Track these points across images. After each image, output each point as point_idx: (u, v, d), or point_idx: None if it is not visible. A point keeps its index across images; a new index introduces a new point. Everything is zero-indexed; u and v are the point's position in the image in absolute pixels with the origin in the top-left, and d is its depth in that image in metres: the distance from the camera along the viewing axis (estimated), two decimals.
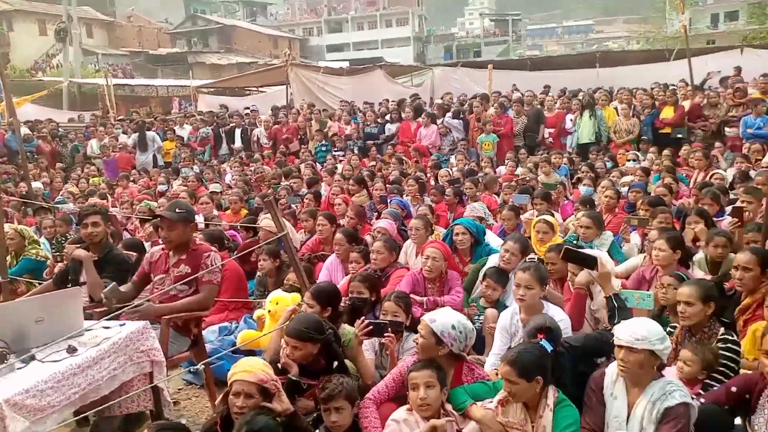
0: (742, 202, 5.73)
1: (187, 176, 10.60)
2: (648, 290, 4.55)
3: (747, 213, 5.48)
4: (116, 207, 9.51)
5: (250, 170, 11.00)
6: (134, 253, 5.15)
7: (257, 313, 4.95)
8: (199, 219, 7.67)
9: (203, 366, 3.87)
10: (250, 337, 4.69)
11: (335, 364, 3.53)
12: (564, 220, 6.91)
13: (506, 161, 10.16)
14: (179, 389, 4.71)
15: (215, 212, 8.23)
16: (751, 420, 2.99)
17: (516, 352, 3.01)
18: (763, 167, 7.53)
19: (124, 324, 3.50)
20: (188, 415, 4.39)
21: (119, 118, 17.72)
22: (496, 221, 7.02)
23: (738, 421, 3.06)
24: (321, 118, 13.54)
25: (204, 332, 4.99)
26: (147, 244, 6.59)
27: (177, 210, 4.24)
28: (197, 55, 45.32)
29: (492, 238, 5.93)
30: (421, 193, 8.16)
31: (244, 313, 5.63)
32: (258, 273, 6.15)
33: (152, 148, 13.91)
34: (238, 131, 14.01)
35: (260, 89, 20.98)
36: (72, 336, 3.26)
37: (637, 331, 2.93)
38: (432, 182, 9.19)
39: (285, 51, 16.43)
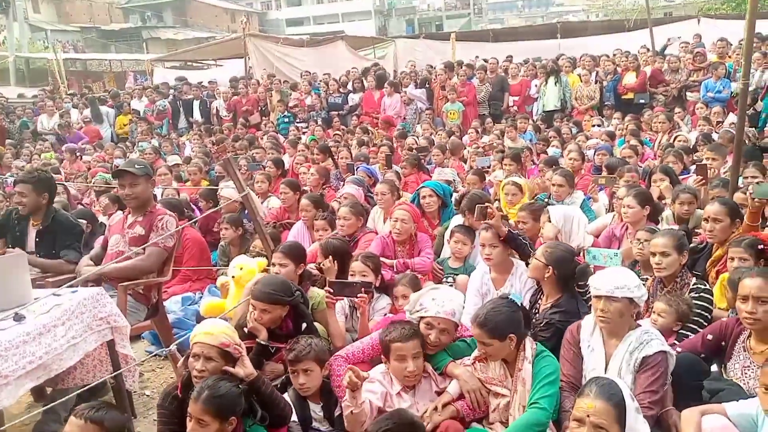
0: (707, 159, 5.79)
1: (144, 149, 10.22)
2: (618, 247, 4.57)
3: (712, 170, 5.54)
4: (70, 181, 9.10)
5: (210, 141, 10.68)
6: (84, 221, 4.89)
7: (221, 280, 4.79)
8: (158, 191, 7.41)
9: (175, 347, 3.71)
10: (214, 308, 4.53)
11: (304, 326, 3.40)
12: None
13: (470, 130, 10.07)
14: (142, 361, 4.49)
15: (175, 184, 7.94)
16: (726, 366, 2.98)
17: (484, 312, 2.88)
18: (725, 129, 7.63)
19: (76, 291, 3.28)
20: (152, 386, 4.21)
21: (69, 92, 17.00)
22: (464, 187, 6.96)
23: (714, 368, 3.05)
24: (282, 88, 13.21)
25: (167, 303, 4.82)
26: (103, 218, 6.31)
27: (137, 165, 4.21)
28: (152, 30, 43.80)
29: None
30: (388, 164, 7.98)
31: (208, 284, 5.47)
32: (221, 243, 5.96)
33: (107, 122, 13.43)
34: (196, 103, 13.59)
35: (218, 62, 20.39)
36: (19, 304, 3.03)
37: (615, 280, 2.88)
38: (399, 152, 9.05)
39: (242, 20, 15.89)
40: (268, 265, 4.32)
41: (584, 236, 4.68)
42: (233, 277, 4.43)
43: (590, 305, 3.14)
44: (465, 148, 8.77)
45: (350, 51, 17.14)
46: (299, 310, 3.41)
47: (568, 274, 3.44)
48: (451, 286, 4.26)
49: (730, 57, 10.58)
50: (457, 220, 4.92)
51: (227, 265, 5.18)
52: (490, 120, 10.76)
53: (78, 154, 10.82)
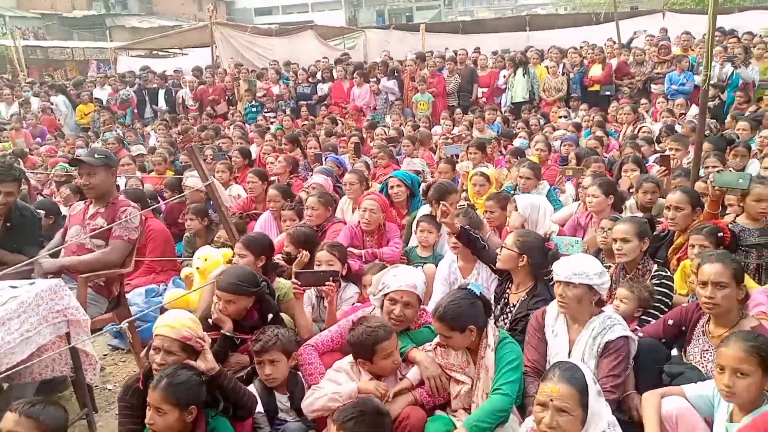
0: (670, 149, 5.90)
1: (107, 139, 9.96)
2: (583, 236, 4.63)
3: (675, 160, 5.64)
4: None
5: (176, 131, 10.47)
6: (42, 211, 4.75)
7: (185, 271, 4.70)
8: (121, 181, 7.24)
9: (126, 324, 3.59)
10: (178, 297, 4.44)
11: (270, 317, 3.37)
12: None
13: (441, 120, 10.09)
14: (105, 354, 4.42)
15: (139, 174, 7.76)
16: (686, 351, 3.04)
17: (443, 306, 2.87)
18: (688, 120, 7.80)
19: (33, 282, 3.18)
20: (114, 380, 4.12)
21: (28, 81, 16.49)
22: (434, 177, 6.96)
23: (674, 352, 3.11)
24: (249, 77, 13.03)
25: (130, 295, 4.73)
26: (64, 209, 6.14)
27: (96, 155, 4.08)
28: (116, 18, 42.76)
29: None
30: (357, 154, 7.94)
31: (172, 275, 5.35)
32: (186, 234, 5.85)
33: (71, 110, 13.14)
34: (161, 92, 13.32)
35: (184, 51, 19.98)
36: None
37: (575, 267, 2.92)
38: (368, 142, 9.01)
39: (208, 7, 15.59)
40: (233, 256, 4.26)
41: (550, 225, 4.72)
42: (198, 268, 4.36)
43: None
44: (433, 139, 8.77)
45: (319, 41, 16.96)
46: (265, 300, 3.38)
47: (541, 261, 3.47)
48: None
49: (693, 50, 10.80)
50: (425, 209, 4.93)
51: (192, 256, 5.11)
52: (459, 111, 10.79)
53: (28, 149, 10.38)
